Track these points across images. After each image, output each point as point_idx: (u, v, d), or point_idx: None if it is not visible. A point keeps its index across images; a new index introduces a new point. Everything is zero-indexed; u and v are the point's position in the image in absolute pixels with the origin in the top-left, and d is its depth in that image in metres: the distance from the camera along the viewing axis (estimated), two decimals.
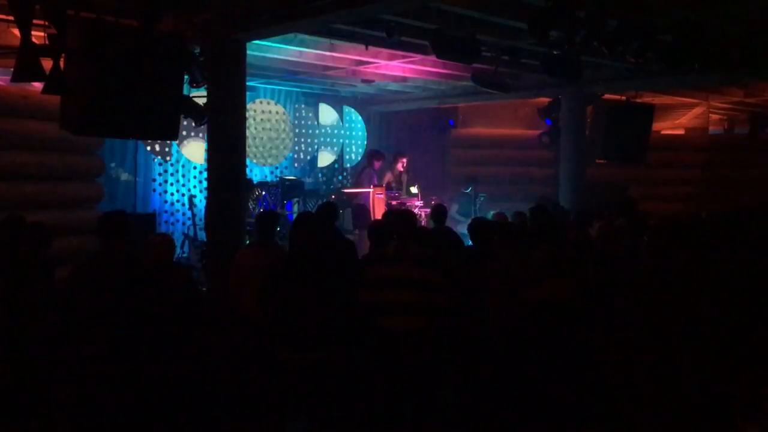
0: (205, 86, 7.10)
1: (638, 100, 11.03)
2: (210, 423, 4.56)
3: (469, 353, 5.08)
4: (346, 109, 12.90)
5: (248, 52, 7.06)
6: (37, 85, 6.29)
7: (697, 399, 3.75)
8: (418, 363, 4.56)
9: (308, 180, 12.10)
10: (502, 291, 4.95)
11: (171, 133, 6.47)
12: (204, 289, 7.10)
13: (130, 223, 4.76)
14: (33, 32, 5.73)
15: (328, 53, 8.67)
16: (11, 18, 5.80)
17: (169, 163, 10.58)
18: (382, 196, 9.94)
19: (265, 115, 11.60)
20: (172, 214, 10.67)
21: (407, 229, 4.84)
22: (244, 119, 7.03)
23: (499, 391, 4.82)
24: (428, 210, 8.90)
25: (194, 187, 10.77)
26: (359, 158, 12.91)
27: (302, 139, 12.32)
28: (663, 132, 13.72)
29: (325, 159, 12.70)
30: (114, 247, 4.58)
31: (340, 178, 13.09)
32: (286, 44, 8.21)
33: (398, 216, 5.14)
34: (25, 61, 5.67)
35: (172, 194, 10.67)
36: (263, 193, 9.75)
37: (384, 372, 4.65)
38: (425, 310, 4.57)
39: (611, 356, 4.23)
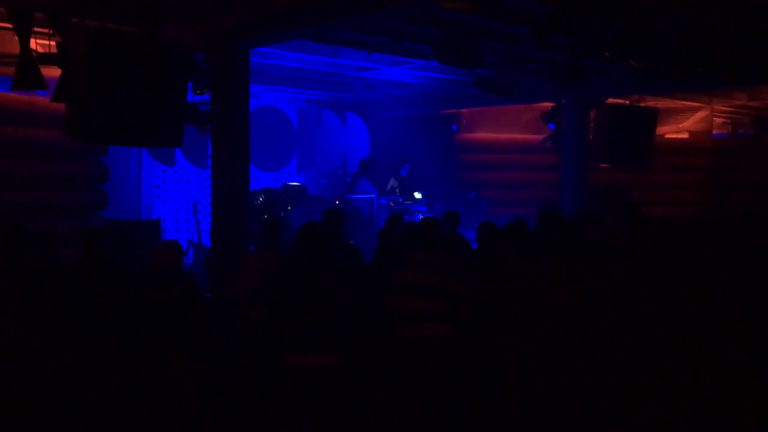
0: (209, 93, 7.11)
1: (642, 104, 11.02)
2: (217, 428, 4.54)
3: (474, 358, 5.06)
4: (349, 114, 12.91)
5: (251, 58, 7.07)
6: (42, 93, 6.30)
7: (699, 399, 3.75)
8: (439, 371, 4.53)
9: (311, 186, 12.12)
10: (508, 296, 4.94)
11: (175, 141, 6.49)
12: (208, 295, 7.09)
13: (105, 232, 4.79)
14: (39, 41, 5.72)
15: (330, 59, 8.69)
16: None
17: (173, 169, 10.60)
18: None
19: (268, 121, 11.63)
20: (177, 220, 10.70)
21: (433, 237, 4.80)
22: (248, 126, 7.03)
23: (504, 394, 4.81)
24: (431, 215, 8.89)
25: (198, 193, 10.80)
26: None
27: (305, 145, 12.34)
28: (667, 136, 13.71)
29: (328, 165, 12.71)
30: (91, 257, 4.60)
31: (343, 184, 13.10)
32: (289, 50, 8.23)
33: (425, 223, 5.07)
34: (25, 70, 5.67)
35: (176, 201, 10.69)
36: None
37: (405, 378, 4.63)
38: (452, 319, 4.54)
39: (614, 360, 4.22)
